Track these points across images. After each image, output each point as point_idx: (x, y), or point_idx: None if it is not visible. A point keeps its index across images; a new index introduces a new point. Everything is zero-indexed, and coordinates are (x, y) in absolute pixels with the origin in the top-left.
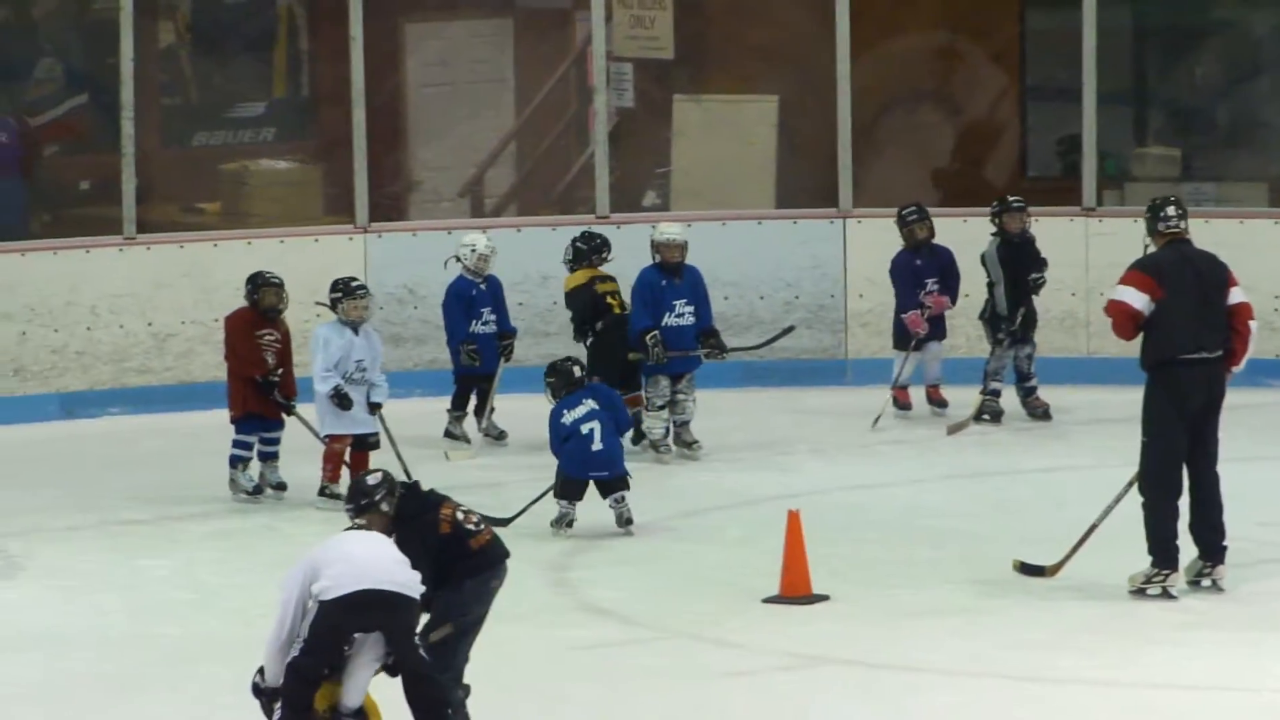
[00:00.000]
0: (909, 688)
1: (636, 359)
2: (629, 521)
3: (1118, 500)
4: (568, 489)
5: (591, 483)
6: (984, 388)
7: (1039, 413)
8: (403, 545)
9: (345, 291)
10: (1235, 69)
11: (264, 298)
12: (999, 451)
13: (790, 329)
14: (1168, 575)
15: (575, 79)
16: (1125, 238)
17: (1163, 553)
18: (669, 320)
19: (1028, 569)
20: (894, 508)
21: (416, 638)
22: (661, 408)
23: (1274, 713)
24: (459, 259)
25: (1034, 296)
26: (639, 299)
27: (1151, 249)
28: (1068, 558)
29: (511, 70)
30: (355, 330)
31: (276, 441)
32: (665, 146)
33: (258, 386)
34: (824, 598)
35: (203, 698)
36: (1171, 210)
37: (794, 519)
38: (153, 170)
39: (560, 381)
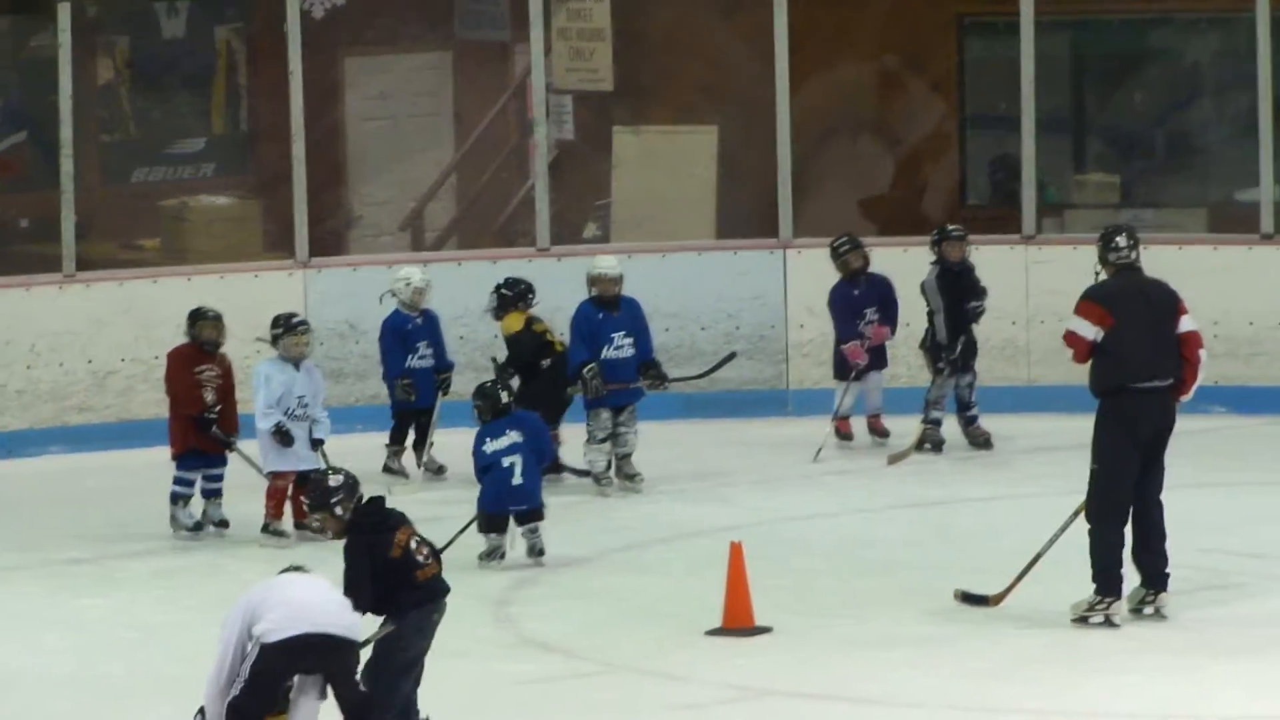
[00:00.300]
0: (853, 719)
1: (574, 393)
2: (540, 552)
3: (1063, 530)
4: (489, 523)
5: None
6: (925, 417)
7: (981, 441)
8: (350, 553)
9: (286, 327)
10: (1173, 96)
11: (201, 331)
12: (941, 481)
13: (732, 356)
14: (1111, 603)
15: (515, 111)
16: (1065, 265)
17: (1107, 580)
18: (608, 353)
19: (970, 599)
20: (836, 538)
21: (359, 672)
22: (603, 440)
23: None
24: (394, 294)
25: (974, 325)
26: (576, 333)
27: (1102, 277)
28: (1011, 587)
29: (451, 103)
30: (296, 366)
31: (219, 478)
32: (605, 178)
33: (197, 423)
34: (767, 629)
35: None
36: (1122, 240)
37: (736, 550)
38: (92, 207)
39: (486, 406)
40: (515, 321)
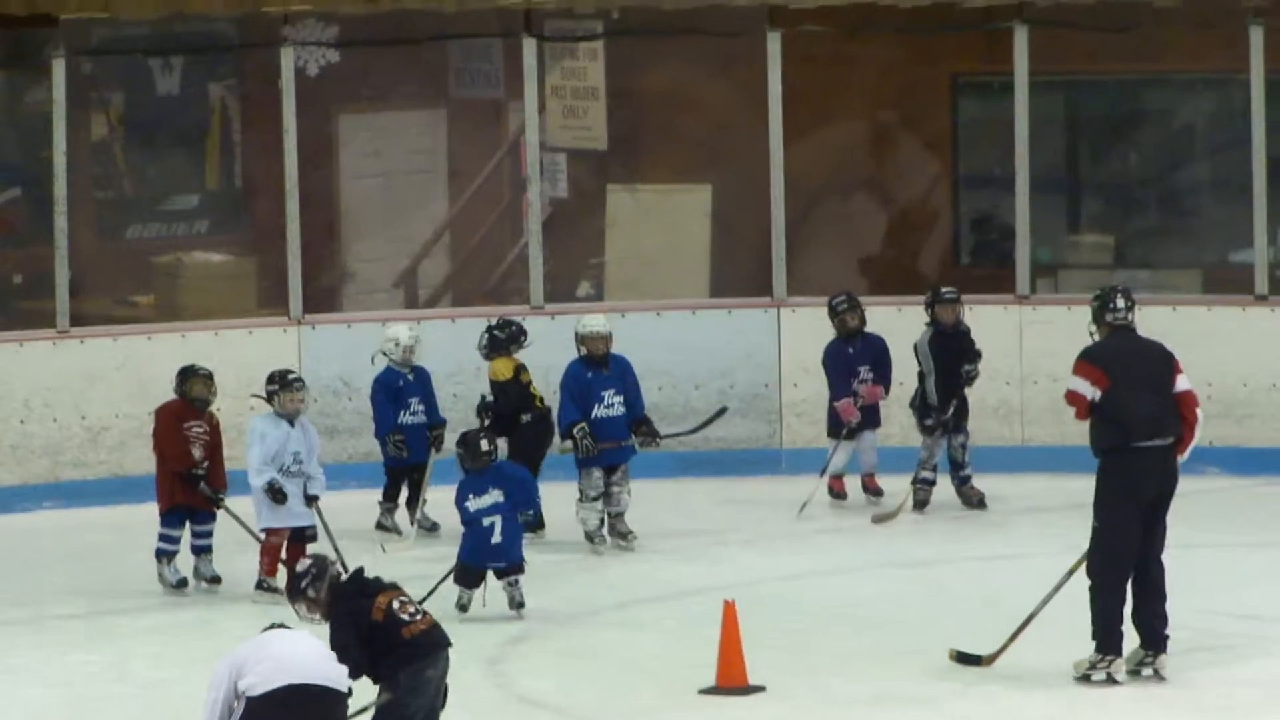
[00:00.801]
0: None
1: (565, 452)
2: (520, 604)
3: (1056, 590)
4: (465, 576)
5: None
6: (915, 477)
7: (974, 501)
8: (335, 627)
9: (281, 384)
10: (1167, 157)
11: (192, 388)
12: (934, 540)
13: (724, 410)
14: (1112, 660)
15: (509, 169)
16: (1059, 325)
17: (1108, 638)
18: (599, 412)
19: (965, 658)
20: (829, 597)
21: None
22: (595, 499)
23: None
24: (385, 354)
25: (967, 388)
26: (566, 393)
27: (1096, 338)
28: (1005, 647)
29: (445, 160)
30: (291, 422)
31: (209, 534)
32: (599, 236)
33: (185, 479)
34: (760, 688)
35: None
36: (1120, 301)
37: (729, 609)
38: (86, 263)
39: (466, 454)
40: (505, 368)
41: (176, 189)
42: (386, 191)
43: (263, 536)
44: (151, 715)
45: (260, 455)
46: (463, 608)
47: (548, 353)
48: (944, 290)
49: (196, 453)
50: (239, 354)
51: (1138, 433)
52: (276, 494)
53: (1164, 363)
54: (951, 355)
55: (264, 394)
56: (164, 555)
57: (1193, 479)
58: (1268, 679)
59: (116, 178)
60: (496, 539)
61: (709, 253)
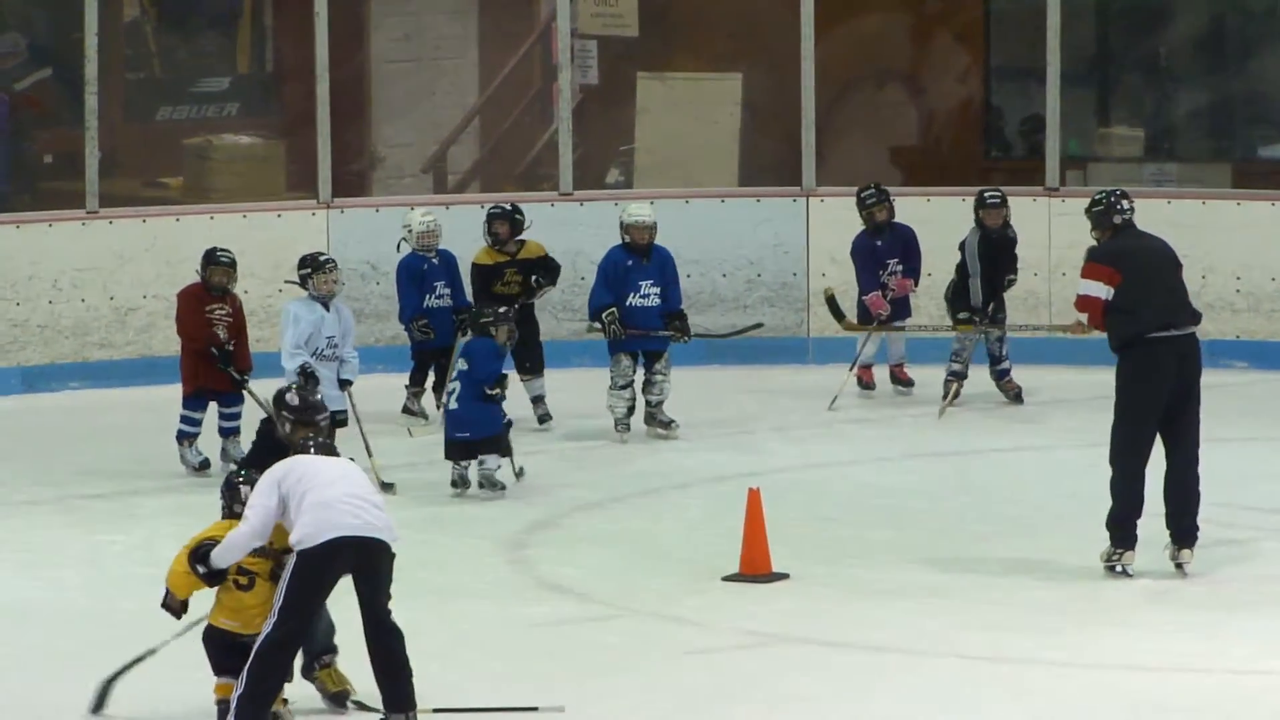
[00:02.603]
0: (868, 667)
1: (592, 334)
2: (482, 485)
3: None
4: (448, 450)
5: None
6: (949, 370)
7: (1012, 395)
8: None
9: (314, 266)
10: (1199, 49)
11: (211, 275)
12: (961, 431)
13: (758, 325)
14: (1123, 554)
15: (539, 56)
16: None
17: (1118, 530)
18: (633, 300)
19: (833, 306)
20: (855, 487)
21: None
22: (623, 387)
23: (1229, 692)
24: (406, 241)
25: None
26: (601, 276)
27: (1100, 240)
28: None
29: (475, 46)
30: (325, 306)
31: (236, 416)
32: (629, 124)
33: (210, 359)
34: (784, 576)
35: (160, 673)
36: (1126, 202)
37: (754, 497)
38: (116, 144)
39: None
40: (539, 247)
41: (207, 71)
42: (416, 77)
43: None
44: None
45: (294, 338)
46: (462, 481)
47: (577, 239)
48: (989, 195)
49: (221, 334)
50: (267, 236)
51: (1151, 324)
52: (308, 378)
53: (1171, 257)
54: (995, 259)
55: (296, 279)
56: (184, 437)
57: (1220, 372)
58: None
59: (147, 59)
60: (452, 405)
61: (738, 141)
